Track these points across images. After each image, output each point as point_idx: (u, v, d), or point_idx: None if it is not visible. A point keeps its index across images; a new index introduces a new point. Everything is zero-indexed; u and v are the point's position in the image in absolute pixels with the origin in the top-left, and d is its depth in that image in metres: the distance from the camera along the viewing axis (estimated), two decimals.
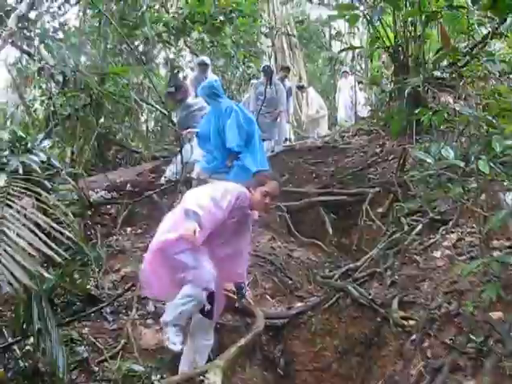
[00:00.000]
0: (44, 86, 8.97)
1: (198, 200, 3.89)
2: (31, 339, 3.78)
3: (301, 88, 14.32)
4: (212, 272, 3.96)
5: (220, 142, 6.83)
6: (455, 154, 3.79)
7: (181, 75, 12.28)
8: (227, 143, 6.78)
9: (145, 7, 10.74)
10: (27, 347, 3.83)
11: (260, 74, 11.64)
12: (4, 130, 4.09)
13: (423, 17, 4.56)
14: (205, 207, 3.84)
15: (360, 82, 14.77)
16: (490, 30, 7.20)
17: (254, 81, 11.76)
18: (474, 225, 5.01)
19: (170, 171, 8.04)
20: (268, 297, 5.93)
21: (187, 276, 3.90)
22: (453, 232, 5.34)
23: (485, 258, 3.97)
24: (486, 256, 4.06)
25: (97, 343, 4.43)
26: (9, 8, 8.21)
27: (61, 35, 11.48)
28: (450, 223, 5.53)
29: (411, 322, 4.27)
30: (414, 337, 4.08)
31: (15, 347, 3.85)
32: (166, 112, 9.56)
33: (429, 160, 3.80)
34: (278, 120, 10.63)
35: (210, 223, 3.92)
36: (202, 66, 9.82)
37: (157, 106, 10.36)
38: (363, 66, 17.26)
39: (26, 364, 3.75)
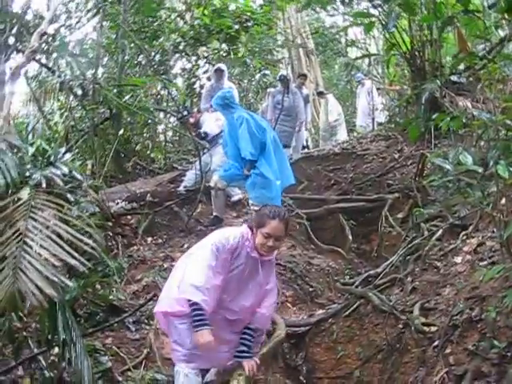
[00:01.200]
0: (63, 99, 9.11)
1: (192, 278, 3.44)
2: (56, 349, 3.83)
3: (320, 94, 14.31)
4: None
5: (236, 151, 6.82)
6: (473, 158, 3.77)
7: (197, 84, 12.38)
8: (241, 152, 6.75)
9: (163, 17, 10.86)
10: (52, 357, 3.87)
11: (277, 82, 11.69)
12: (27, 144, 4.14)
13: (439, 22, 4.55)
14: (202, 285, 3.40)
15: (378, 88, 14.74)
16: (507, 32, 7.16)
17: (270, 89, 11.79)
18: (494, 229, 4.98)
19: (190, 180, 8.07)
20: (289, 304, 5.95)
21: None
22: (473, 237, 5.30)
23: (506, 264, 3.95)
24: (507, 261, 4.04)
25: (120, 353, 4.47)
26: (31, 24, 8.35)
27: (79, 48, 11.67)
28: (470, 228, 5.49)
29: (433, 329, 4.24)
30: (436, 343, 4.05)
31: (40, 357, 3.89)
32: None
33: (447, 166, 3.79)
34: (297, 129, 10.65)
35: (215, 290, 3.50)
36: (218, 72, 9.85)
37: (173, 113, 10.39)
38: (380, 71, 17.19)
39: (52, 374, 3.79)
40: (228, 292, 3.62)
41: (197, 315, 3.42)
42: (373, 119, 14.35)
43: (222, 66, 10.10)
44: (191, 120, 8.21)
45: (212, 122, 8.18)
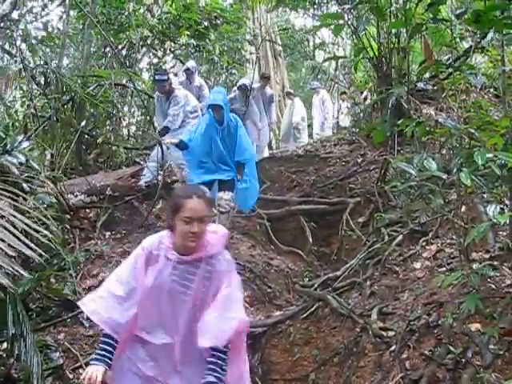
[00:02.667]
0: (25, 87, 8.88)
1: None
2: (4, 344, 3.71)
3: (288, 94, 14.38)
4: None
5: (226, 154, 6.81)
6: (438, 165, 3.80)
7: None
8: (241, 155, 6.79)
9: (131, 10, 10.70)
10: (0, 352, 3.75)
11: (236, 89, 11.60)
12: None
13: (409, 29, 4.58)
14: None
15: (343, 93, 14.94)
16: (472, 43, 7.29)
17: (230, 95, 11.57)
18: (453, 236, 5.04)
19: (148, 175, 7.90)
20: (246, 305, 5.90)
21: None
22: (433, 243, 5.36)
23: (464, 270, 4.00)
24: (465, 268, 4.08)
25: (72, 349, 4.36)
26: None
27: (43, 35, 11.41)
28: (430, 234, 5.55)
29: (390, 333, 4.25)
30: (393, 348, 4.06)
31: None
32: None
33: (411, 171, 3.81)
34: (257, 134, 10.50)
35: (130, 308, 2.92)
36: (188, 72, 9.78)
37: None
38: (346, 75, 17.34)
39: None
40: (153, 310, 2.94)
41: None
42: (337, 123, 14.59)
43: (190, 64, 10.00)
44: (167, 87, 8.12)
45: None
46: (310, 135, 14.66)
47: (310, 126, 14.62)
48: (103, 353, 2.81)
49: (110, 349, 2.83)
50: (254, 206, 7.76)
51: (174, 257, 2.92)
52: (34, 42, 8.44)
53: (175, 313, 2.92)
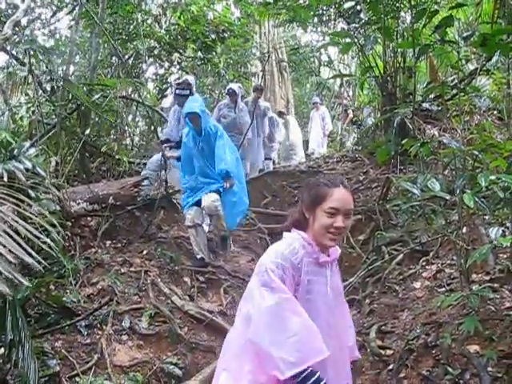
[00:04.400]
0: (31, 93, 8.92)
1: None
2: (1, 350, 3.69)
3: (280, 114, 14.17)
4: None
5: (208, 166, 6.53)
6: (441, 186, 3.82)
7: (169, 91, 12.29)
8: (219, 165, 6.39)
9: (139, 20, 10.77)
10: None
11: (248, 95, 11.62)
12: None
13: (416, 49, 4.63)
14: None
15: (345, 110, 15.13)
16: (477, 66, 7.35)
17: (220, 102, 11.36)
18: (454, 257, 5.04)
19: (148, 188, 7.78)
20: None
21: None
22: (433, 263, 5.37)
23: (464, 291, 4.00)
24: (465, 289, 4.09)
25: (69, 357, 4.34)
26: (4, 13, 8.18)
27: (51, 43, 11.50)
28: (431, 254, 5.56)
29: (388, 352, 4.25)
30: (390, 366, 4.06)
31: None
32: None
33: (415, 191, 3.83)
34: (246, 144, 10.03)
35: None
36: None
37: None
38: (350, 93, 17.46)
39: None
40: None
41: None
42: (340, 140, 14.74)
43: (190, 79, 9.83)
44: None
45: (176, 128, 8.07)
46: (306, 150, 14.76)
47: (305, 141, 14.71)
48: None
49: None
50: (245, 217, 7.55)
51: (325, 259, 2.53)
52: (40, 49, 8.47)
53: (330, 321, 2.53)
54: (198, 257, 6.53)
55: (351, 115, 14.93)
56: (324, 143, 14.38)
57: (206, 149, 6.49)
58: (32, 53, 8.50)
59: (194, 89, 9.79)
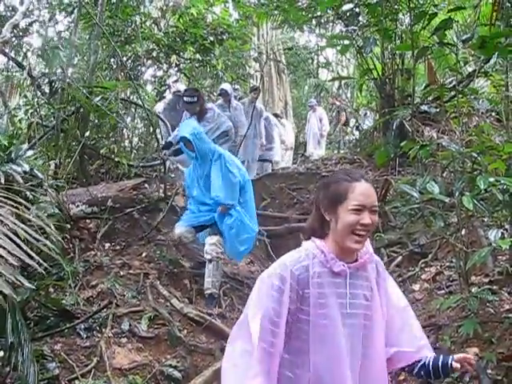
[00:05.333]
0: (30, 96, 8.92)
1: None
2: (1, 353, 3.69)
3: (276, 115, 14.18)
4: None
5: (204, 192, 6.10)
6: (440, 188, 3.82)
7: (167, 93, 12.28)
8: (213, 192, 5.93)
9: (138, 22, 10.77)
10: None
11: (247, 96, 11.59)
12: None
13: (415, 51, 4.64)
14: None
15: (338, 112, 15.20)
16: (475, 68, 7.35)
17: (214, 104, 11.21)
18: (453, 259, 5.05)
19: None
20: None
21: None
22: (432, 265, 5.38)
23: (463, 294, 4.00)
24: (464, 291, 4.09)
25: (69, 360, 4.33)
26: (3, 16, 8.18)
27: (50, 45, 11.48)
28: (430, 256, 5.57)
29: None
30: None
31: None
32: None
33: (414, 194, 3.83)
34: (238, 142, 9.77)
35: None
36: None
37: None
38: (349, 95, 17.50)
39: None
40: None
41: None
42: (339, 141, 14.79)
43: (227, 88, 9.69)
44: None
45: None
46: (302, 155, 14.80)
47: (303, 143, 14.76)
48: None
49: None
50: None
51: (341, 268, 2.18)
52: (40, 51, 8.47)
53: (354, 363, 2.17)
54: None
55: (344, 118, 14.99)
56: (322, 145, 14.42)
57: (203, 174, 6.08)
58: (31, 55, 8.51)
59: (233, 98, 9.58)
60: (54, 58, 10.64)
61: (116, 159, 8.32)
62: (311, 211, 2.31)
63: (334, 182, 2.23)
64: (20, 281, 2.89)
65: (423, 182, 3.83)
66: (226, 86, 10.08)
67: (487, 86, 8.57)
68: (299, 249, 2.27)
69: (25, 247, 3.17)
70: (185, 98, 7.59)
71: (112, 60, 11.58)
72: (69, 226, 6.01)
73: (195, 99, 7.45)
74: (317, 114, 14.27)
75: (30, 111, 8.35)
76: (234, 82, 13.57)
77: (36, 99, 7.78)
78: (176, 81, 12.91)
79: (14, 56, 10.19)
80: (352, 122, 14.35)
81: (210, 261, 5.88)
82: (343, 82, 16.31)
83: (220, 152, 6.07)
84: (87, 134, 7.60)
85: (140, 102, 8.87)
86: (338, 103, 15.56)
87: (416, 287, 5.10)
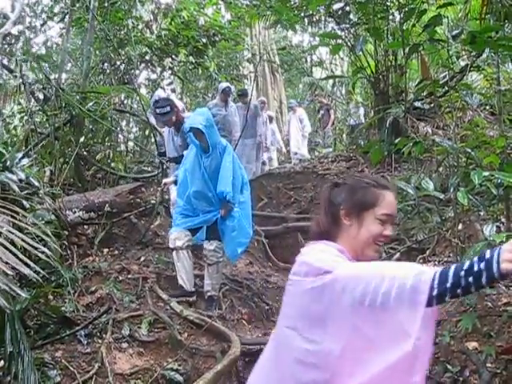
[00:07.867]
0: (24, 103, 8.91)
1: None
2: (1, 363, 3.69)
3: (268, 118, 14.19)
4: None
5: (208, 189, 5.79)
6: (435, 184, 3.84)
7: None
8: (220, 187, 5.65)
9: (130, 26, 10.77)
10: None
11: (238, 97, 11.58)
12: None
13: (406, 48, 4.65)
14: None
15: (327, 110, 15.21)
16: (468, 62, 7.38)
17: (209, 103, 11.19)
18: (450, 254, 5.06)
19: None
20: (244, 322, 5.90)
21: None
22: (430, 261, 5.38)
23: None
24: None
25: (70, 367, 4.33)
26: None
27: (42, 51, 11.48)
28: (427, 252, 5.58)
29: None
30: None
31: None
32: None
33: (410, 190, 3.84)
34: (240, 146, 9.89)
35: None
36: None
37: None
38: (343, 92, 17.48)
39: None
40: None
41: None
42: (334, 139, 14.81)
43: (231, 86, 9.72)
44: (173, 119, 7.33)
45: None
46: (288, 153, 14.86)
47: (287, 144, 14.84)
48: None
49: None
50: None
51: None
52: (32, 58, 8.45)
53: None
54: (178, 284, 5.87)
55: (333, 116, 15.03)
56: (305, 144, 14.39)
57: (212, 168, 5.74)
58: (23, 62, 8.48)
59: (231, 98, 9.60)
60: (45, 65, 10.61)
61: (112, 164, 8.31)
62: (309, 210, 2.19)
63: (361, 186, 2.06)
64: (15, 291, 2.88)
65: (418, 179, 3.84)
66: (227, 84, 10.18)
67: (480, 80, 8.60)
68: (321, 248, 1.99)
69: (22, 256, 3.16)
70: (157, 110, 6.88)
71: (105, 65, 11.58)
72: (66, 232, 6.02)
73: (168, 109, 6.67)
74: (297, 114, 14.27)
75: (25, 118, 8.35)
76: (230, 82, 13.58)
77: (30, 106, 7.77)
78: (170, 83, 12.93)
79: (6, 63, 10.16)
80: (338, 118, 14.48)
81: (210, 265, 5.82)
82: (337, 79, 16.31)
83: (228, 147, 5.88)
84: (82, 139, 7.57)
85: (133, 110, 8.83)
86: (324, 101, 15.57)
87: None
